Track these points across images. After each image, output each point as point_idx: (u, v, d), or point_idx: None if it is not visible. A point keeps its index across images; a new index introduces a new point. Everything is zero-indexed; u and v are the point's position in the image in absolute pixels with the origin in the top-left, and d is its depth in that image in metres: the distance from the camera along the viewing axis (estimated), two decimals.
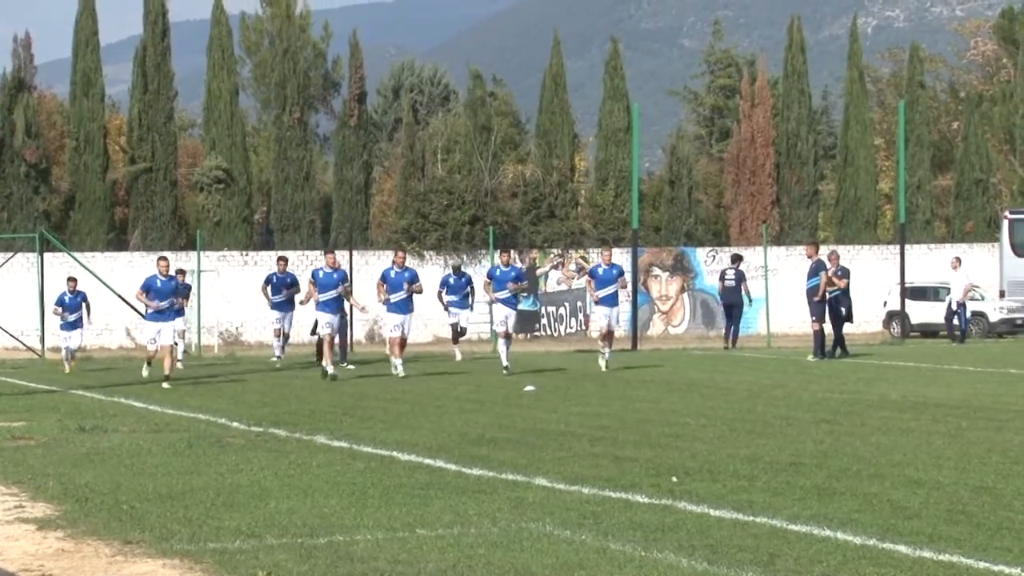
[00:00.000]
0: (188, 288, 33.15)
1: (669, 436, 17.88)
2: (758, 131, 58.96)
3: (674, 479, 13.71)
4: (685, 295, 54.55)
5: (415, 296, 30.77)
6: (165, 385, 27.71)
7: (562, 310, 53.34)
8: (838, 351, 36.73)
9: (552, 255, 54.41)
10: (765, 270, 49.89)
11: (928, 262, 52.66)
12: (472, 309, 38.34)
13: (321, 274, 30.26)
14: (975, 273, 52.48)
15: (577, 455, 15.86)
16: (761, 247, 51.31)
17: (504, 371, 30.34)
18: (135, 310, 43.06)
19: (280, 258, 38.10)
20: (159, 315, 29.04)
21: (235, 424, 20.20)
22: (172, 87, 55.75)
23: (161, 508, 12.50)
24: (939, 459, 15.04)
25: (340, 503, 12.65)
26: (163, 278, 29.28)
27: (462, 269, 40.15)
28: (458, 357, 36.83)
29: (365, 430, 19.02)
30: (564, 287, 53.58)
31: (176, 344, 31.49)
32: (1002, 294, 51.34)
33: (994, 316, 49.16)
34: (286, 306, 35.83)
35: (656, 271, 54.24)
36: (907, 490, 12.88)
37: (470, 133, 57.06)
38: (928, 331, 49.45)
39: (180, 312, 31.34)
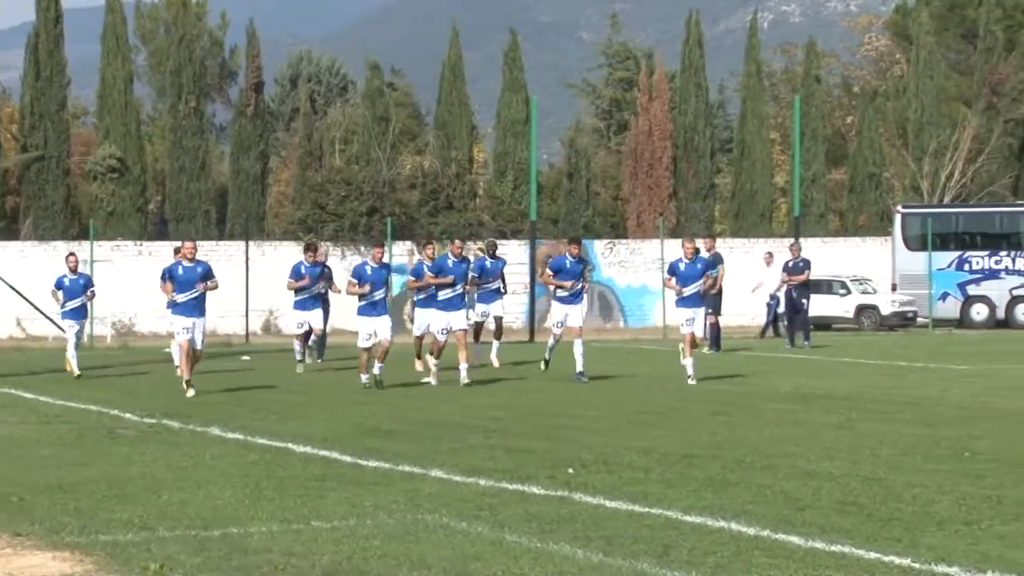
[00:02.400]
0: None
1: (565, 428, 17.92)
2: (655, 124, 59.23)
3: (570, 471, 13.74)
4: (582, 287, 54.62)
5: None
6: (191, 393, 23.24)
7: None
8: (800, 340, 37.12)
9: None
10: (661, 263, 50.10)
11: (822, 255, 53.07)
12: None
13: (369, 270, 25.23)
14: (869, 266, 53.09)
15: (473, 447, 15.86)
16: (657, 240, 51.55)
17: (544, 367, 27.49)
18: (26, 300, 42.59)
19: (308, 246, 31.76)
20: (186, 307, 23.73)
21: (127, 415, 20.01)
22: (65, 75, 55.06)
23: (51, 500, 12.35)
24: (831, 450, 15.18)
25: (234, 495, 12.56)
26: (188, 264, 23.87)
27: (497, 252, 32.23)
28: (495, 363, 30.04)
29: (259, 422, 18.91)
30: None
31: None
32: (894, 287, 51.93)
33: (886, 309, 49.70)
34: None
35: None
36: (799, 481, 12.98)
37: (368, 124, 56.87)
38: (821, 324, 49.95)
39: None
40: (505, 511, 11.57)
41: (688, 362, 25.12)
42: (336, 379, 27.12)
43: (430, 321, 26.10)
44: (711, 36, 71.21)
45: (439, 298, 25.35)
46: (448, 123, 57.85)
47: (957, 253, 51.90)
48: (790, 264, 38.40)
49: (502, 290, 30.59)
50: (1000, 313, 51.80)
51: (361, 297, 24.86)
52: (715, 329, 36.07)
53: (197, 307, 23.68)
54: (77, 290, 28.45)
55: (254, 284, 46.29)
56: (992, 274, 52.10)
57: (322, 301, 30.76)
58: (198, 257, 24.33)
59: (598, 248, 54.53)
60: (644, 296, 52.48)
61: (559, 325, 26.81)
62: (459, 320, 25.35)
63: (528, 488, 12.74)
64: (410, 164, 57.17)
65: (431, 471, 13.87)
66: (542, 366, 27.59)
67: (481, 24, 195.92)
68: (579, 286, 26.84)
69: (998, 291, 52.02)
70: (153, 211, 60.55)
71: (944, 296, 51.87)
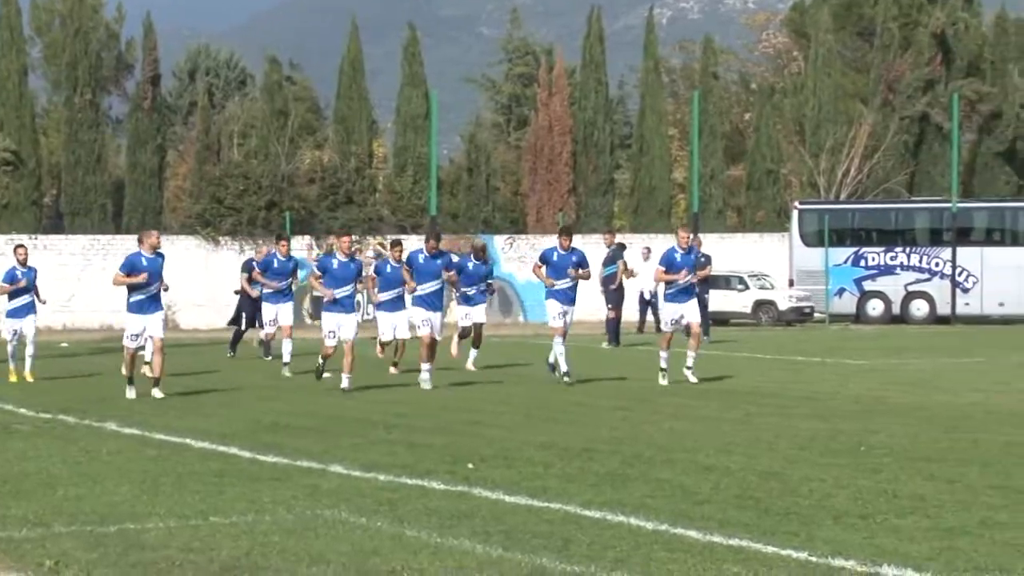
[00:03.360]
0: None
1: (465, 423, 17.92)
2: (555, 120, 59.35)
3: (470, 466, 13.74)
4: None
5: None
6: (158, 394, 21.57)
7: (359, 297, 53.21)
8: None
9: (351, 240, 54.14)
10: None
11: (721, 251, 53.38)
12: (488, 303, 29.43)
13: (421, 258, 24.19)
14: (766, 262, 53.49)
15: (373, 442, 15.82)
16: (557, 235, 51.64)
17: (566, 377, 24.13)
18: None
19: (279, 236, 30.56)
20: (141, 305, 21.70)
21: (22, 410, 19.78)
22: None
23: None
24: (729, 445, 15.28)
25: (131, 490, 12.45)
26: (150, 254, 21.83)
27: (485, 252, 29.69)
28: (470, 367, 27.67)
29: (157, 417, 18.75)
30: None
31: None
32: (791, 283, 52.37)
33: (783, 305, 50.10)
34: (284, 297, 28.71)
35: (455, 258, 54.26)
36: (698, 476, 13.06)
37: (267, 118, 56.58)
38: (719, 319, 50.26)
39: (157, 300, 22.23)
40: (405, 506, 11.54)
41: (664, 356, 23.58)
42: (241, 376, 26.94)
43: (395, 324, 25.24)
44: (611, 32, 71.47)
45: (329, 301, 23.06)
46: (347, 118, 57.67)
47: (853, 249, 52.41)
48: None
49: (487, 295, 28.50)
50: (895, 309, 52.38)
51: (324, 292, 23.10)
52: (614, 323, 36.21)
53: (155, 303, 21.70)
54: (29, 284, 26.00)
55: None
56: (888, 270, 52.67)
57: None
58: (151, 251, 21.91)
59: (498, 243, 54.55)
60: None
61: (560, 316, 24.18)
62: (348, 326, 22.78)
63: (428, 483, 12.73)
64: (309, 159, 56.97)
65: (331, 466, 13.81)
66: (566, 379, 23.84)
67: (381, 18, 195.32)
68: (569, 282, 24.22)
69: (893, 287, 52.60)
70: (48, 204, 59.88)
71: (840, 292, 52.37)
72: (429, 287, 24.14)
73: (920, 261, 52.41)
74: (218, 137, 58.89)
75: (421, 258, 24.22)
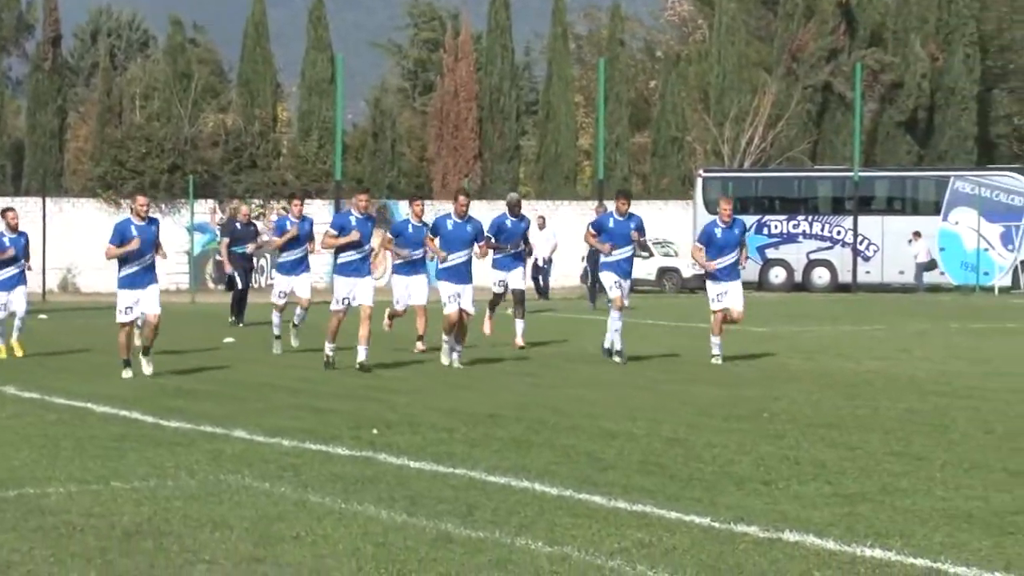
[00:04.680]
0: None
1: (370, 388, 17.88)
2: (461, 85, 59.21)
3: (374, 431, 13.71)
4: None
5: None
6: (148, 368, 19.45)
7: (262, 262, 52.85)
8: (603, 302, 37.40)
9: (253, 205, 53.83)
10: None
11: None
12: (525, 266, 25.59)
13: (450, 224, 21.12)
14: (671, 230, 53.71)
15: (277, 407, 15.75)
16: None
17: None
18: None
19: (292, 196, 27.80)
20: (135, 277, 19.46)
21: None
22: None
23: None
24: (633, 411, 15.34)
25: (31, 455, 12.32)
26: (140, 222, 19.59)
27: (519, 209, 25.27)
28: (519, 343, 24.47)
29: (59, 381, 18.57)
30: (265, 237, 52.98)
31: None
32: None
33: (687, 272, 50.35)
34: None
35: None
36: (603, 442, 13.10)
37: (169, 80, 56.02)
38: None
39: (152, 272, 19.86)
40: (309, 472, 11.50)
41: (716, 340, 21.61)
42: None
43: (411, 290, 22.37)
44: None
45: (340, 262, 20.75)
46: (252, 81, 57.24)
47: (756, 217, 52.71)
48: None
49: (524, 256, 25.22)
50: (798, 276, 52.82)
51: (340, 252, 20.60)
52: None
53: (149, 274, 19.51)
54: (18, 252, 23.11)
55: (52, 242, 45.36)
56: (790, 238, 53.09)
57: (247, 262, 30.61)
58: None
59: (403, 209, 54.37)
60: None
61: (616, 286, 21.62)
62: (364, 291, 20.51)
63: (332, 449, 12.68)
64: (212, 122, 56.47)
65: (234, 431, 13.74)
66: (617, 358, 21.48)
67: None
68: (627, 252, 21.88)
69: (796, 255, 53.03)
70: None
71: None
72: (458, 257, 20.87)
73: (822, 229, 52.88)
74: (120, 99, 58.19)
75: (450, 224, 20.99)
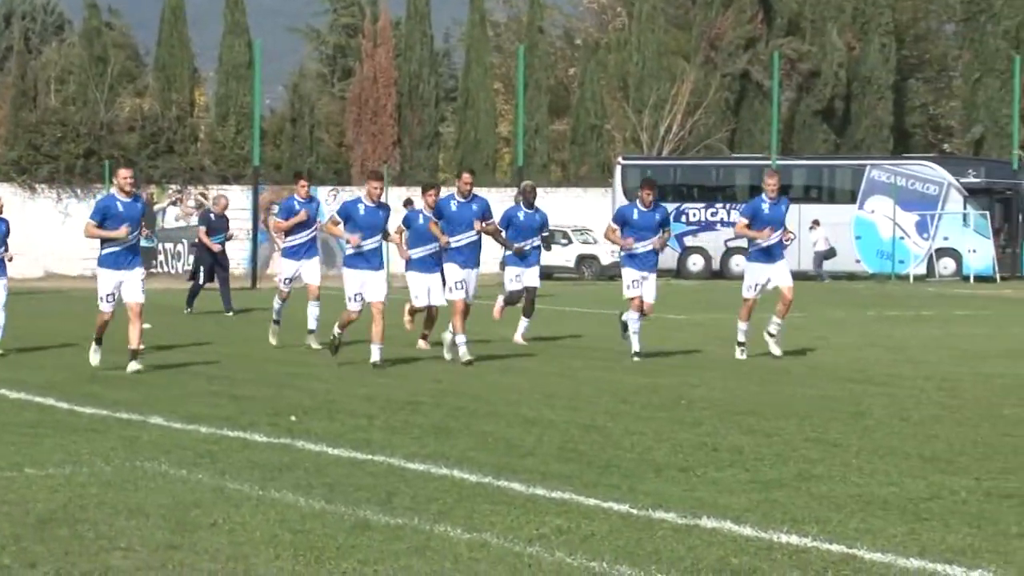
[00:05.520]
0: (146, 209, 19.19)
1: (288, 375, 17.80)
2: (380, 71, 59.08)
3: (292, 418, 13.65)
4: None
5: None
6: (135, 367, 17.76)
7: (180, 247, 52.53)
8: None
9: (170, 191, 53.52)
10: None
11: (544, 206, 53.67)
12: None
13: (454, 205, 19.82)
14: (589, 217, 53.83)
15: (194, 394, 15.65)
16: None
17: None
18: None
19: (298, 175, 25.33)
20: (118, 258, 17.96)
21: None
22: None
23: None
24: (552, 398, 15.36)
25: None
26: (125, 198, 18.01)
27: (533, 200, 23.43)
28: (519, 341, 22.94)
29: None
30: (182, 223, 52.75)
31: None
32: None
33: (606, 259, 50.51)
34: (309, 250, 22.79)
35: (276, 209, 53.84)
36: (521, 428, 13.10)
37: (85, 64, 55.55)
38: (542, 274, 50.54)
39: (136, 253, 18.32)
40: (226, 459, 11.44)
41: (743, 327, 20.25)
42: (53, 324, 26.45)
43: (430, 286, 20.61)
44: None
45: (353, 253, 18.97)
46: (169, 65, 56.85)
47: (675, 205, 52.92)
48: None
49: (541, 251, 23.62)
50: (715, 264, 53.11)
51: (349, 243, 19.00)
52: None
53: (133, 255, 18.03)
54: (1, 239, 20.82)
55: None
56: (708, 226, 53.37)
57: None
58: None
59: (322, 195, 54.17)
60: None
61: (635, 285, 19.95)
62: (376, 286, 18.94)
63: (250, 435, 12.62)
64: (129, 106, 56.07)
65: (151, 418, 13.64)
66: (636, 359, 19.93)
67: None
68: (652, 246, 20.08)
69: (714, 242, 53.31)
70: None
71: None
72: (465, 238, 19.63)
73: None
74: (34, 83, 57.63)
75: (453, 205, 19.70)
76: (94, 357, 18.30)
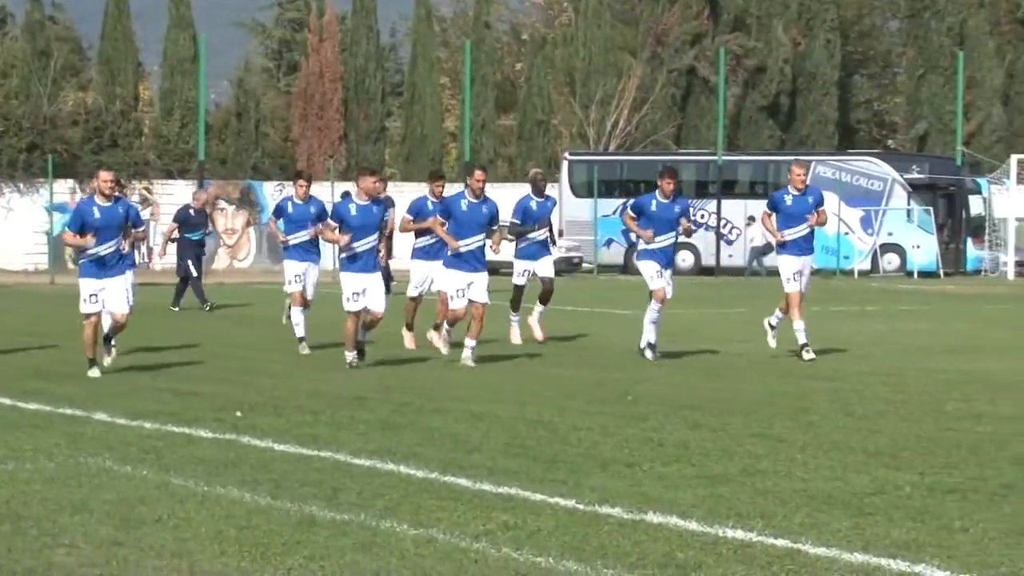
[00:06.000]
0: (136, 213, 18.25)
1: (234, 371, 17.74)
2: (326, 66, 58.94)
3: (238, 413, 13.60)
4: (251, 229, 54.22)
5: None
6: (97, 371, 16.97)
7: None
8: None
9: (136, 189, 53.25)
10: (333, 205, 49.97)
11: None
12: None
13: (464, 204, 18.76)
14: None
15: (139, 389, 15.58)
16: (328, 182, 51.33)
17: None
18: None
19: (298, 174, 22.54)
20: (98, 266, 16.91)
21: None
22: None
23: None
24: (498, 394, 15.36)
25: None
26: (105, 202, 16.87)
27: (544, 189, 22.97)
28: (537, 335, 22.34)
29: None
30: (152, 222, 52.47)
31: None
32: (560, 233, 52.79)
33: (554, 254, 50.48)
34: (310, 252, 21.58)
35: (222, 204, 53.68)
36: (468, 424, 13.10)
37: (27, 58, 55.15)
38: (490, 269, 50.51)
39: (129, 257, 18.32)
40: (171, 454, 11.38)
41: (799, 326, 19.31)
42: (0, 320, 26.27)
43: (432, 275, 20.18)
44: None
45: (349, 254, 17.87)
46: (112, 59, 56.54)
47: (622, 200, 52.95)
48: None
49: (552, 242, 23.14)
50: None
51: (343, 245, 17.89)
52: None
53: (116, 261, 17.01)
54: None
55: None
56: None
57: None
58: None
59: (268, 190, 54.04)
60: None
61: (658, 275, 19.35)
62: (375, 291, 18.02)
63: (195, 431, 12.57)
64: (72, 100, 55.73)
65: (94, 414, 13.56)
66: (648, 353, 19.51)
67: None
68: (670, 239, 19.50)
69: None
70: None
71: (609, 242, 53.01)
72: (474, 242, 18.54)
73: None
74: None
75: (464, 204, 18.45)
76: (93, 372, 16.93)
